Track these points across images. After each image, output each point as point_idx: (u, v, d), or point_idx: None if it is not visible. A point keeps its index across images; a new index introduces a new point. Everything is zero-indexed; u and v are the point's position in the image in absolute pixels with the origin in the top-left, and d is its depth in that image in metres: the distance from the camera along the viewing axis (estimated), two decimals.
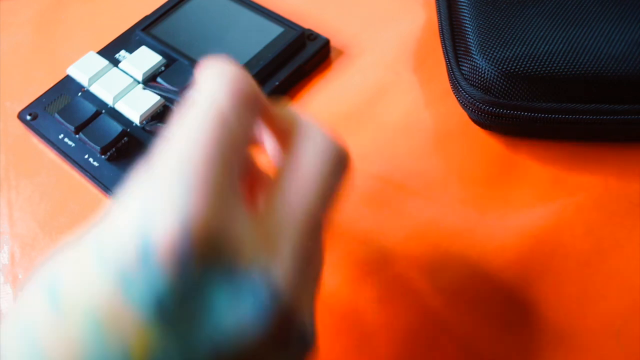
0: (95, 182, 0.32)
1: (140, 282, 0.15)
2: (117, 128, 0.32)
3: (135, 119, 0.33)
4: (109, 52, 0.37)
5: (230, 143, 0.17)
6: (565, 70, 0.31)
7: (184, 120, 0.18)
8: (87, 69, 0.35)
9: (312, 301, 0.19)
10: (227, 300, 0.16)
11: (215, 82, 0.19)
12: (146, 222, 0.15)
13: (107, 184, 0.31)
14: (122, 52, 0.37)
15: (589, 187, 0.31)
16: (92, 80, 0.35)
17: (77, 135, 0.33)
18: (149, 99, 0.33)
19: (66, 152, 0.33)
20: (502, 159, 0.33)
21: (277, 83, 0.35)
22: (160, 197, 0.16)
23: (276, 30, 0.37)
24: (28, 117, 0.35)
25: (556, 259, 0.29)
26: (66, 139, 0.33)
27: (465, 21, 0.34)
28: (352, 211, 0.31)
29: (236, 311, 0.16)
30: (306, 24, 0.39)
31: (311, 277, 0.19)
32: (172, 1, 0.39)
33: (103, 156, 0.32)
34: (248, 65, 0.35)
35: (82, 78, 0.35)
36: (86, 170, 0.32)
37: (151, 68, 0.35)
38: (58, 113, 0.33)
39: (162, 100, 0.34)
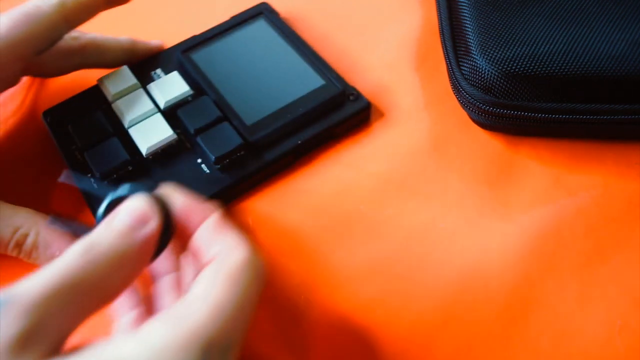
0: (87, 202, 0.31)
1: None
2: (123, 156, 0.31)
3: (143, 150, 0.31)
4: (145, 68, 0.36)
5: None
6: (565, 70, 0.31)
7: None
8: (115, 83, 0.34)
9: None
10: None
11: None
12: None
13: (96, 208, 0.30)
14: (158, 71, 0.36)
15: (589, 187, 0.31)
16: (116, 96, 0.34)
17: (84, 153, 0.32)
18: (163, 132, 0.32)
19: (72, 165, 0.32)
20: (502, 159, 0.33)
21: (299, 142, 0.32)
22: None
23: (317, 81, 0.34)
24: (49, 119, 0.34)
25: (556, 259, 0.29)
26: (77, 152, 0.32)
27: (465, 21, 0.34)
28: (352, 211, 0.31)
29: None
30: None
31: None
32: (222, 26, 0.37)
33: (104, 181, 0.31)
34: (275, 116, 0.32)
35: (107, 92, 0.34)
36: (84, 189, 0.31)
37: (176, 97, 0.33)
38: (71, 125, 0.33)
39: (175, 136, 0.32)
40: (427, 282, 0.28)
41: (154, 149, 0.32)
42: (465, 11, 0.34)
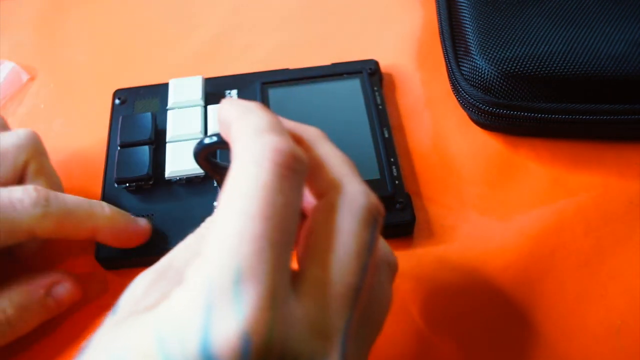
0: (103, 197, 0.31)
1: None
2: (144, 169, 0.30)
3: (167, 172, 0.31)
4: (222, 84, 0.35)
5: (282, 229, 0.17)
6: (565, 70, 0.31)
7: (228, 205, 0.17)
8: (181, 90, 0.33)
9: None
10: None
11: (255, 149, 0.18)
12: (207, 324, 0.15)
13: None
14: (234, 92, 0.35)
15: (589, 187, 0.31)
16: (174, 105, 0.33)
17: (117, 150, 0.32)
18: (194, 164, 0.29)
19: (109, 153, 0.32)
20: (502, 159, 0.33)
21: None
22: (221, 296, 0.15)
23: (372, 173, 0.30)
24: (117, 101, 0.34)
25: (556, 259, 0.29)
26: (117, 144, 0.32)
27: (465, 22, 0.34)
28: None
29: None
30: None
31: (367, 342, 0.20)
32: (316, 70, 0.35)
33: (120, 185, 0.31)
34: None
35: (170, 96, 0.34)
36: (105, 181, 0.31)
37: None
38: (121, 119, 0.33)
39: (203, 173, 0.31)
40: (427, 282, 0.28)
41: (177, 175, 0.31)
42: (464, 11, 0.34)
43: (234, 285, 0.15)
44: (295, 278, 0.18)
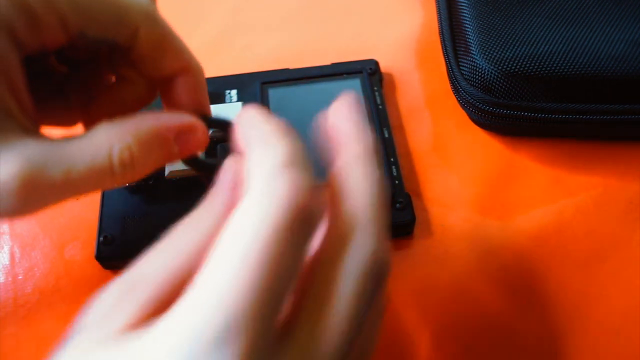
0: (101, 197, 0.31)
1: None
2: None
3: (167, 171, 0.30)
4: (222, 84, 0.34)
5: (280, 285, 0.16)
6: (565, 70, 0.31)
7: (229, 247, 0.16)
8: None
9: None
10: None
11: (270, 189, 0.17)
12: None
13: (104, 204, 0.30)
14: (233, 92, 0.34)
15: (589, 187, 0.31)
16: None
17: None
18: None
19: None
20: (502, 159, 0.33)
21: None
22: (202, 354, 0.15)
23: None
24: None
25: (556, 259, 0.29)
26: None
27: (465, 21, 0.34)
28: None
29: None
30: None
31: None
32: (316, 70, 0.35)
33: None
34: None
35: None
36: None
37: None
38: None
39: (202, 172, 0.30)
40: (427, 282, 0.28)
41: (177, 175, 0.30)
42: (465, 11, 0.34)
43: (216, 345, 0.15)
44: (285, 330, 0.17)
